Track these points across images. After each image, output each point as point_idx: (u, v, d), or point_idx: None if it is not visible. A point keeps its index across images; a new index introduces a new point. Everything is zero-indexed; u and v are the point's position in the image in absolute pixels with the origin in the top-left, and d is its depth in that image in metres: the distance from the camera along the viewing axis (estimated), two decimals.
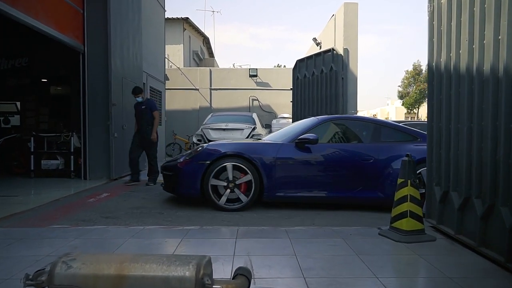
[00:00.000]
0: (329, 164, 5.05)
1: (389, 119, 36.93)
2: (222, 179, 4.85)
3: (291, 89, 11.95)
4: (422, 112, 49.28)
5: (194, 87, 17.13)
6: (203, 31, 23.15)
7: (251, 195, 4.84)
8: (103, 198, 5.71)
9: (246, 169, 4.81)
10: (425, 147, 4.92)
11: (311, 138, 4.94)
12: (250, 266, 2.70)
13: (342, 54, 8.94)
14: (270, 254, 3.08)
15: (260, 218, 4.55)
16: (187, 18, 19.17)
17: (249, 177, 4.80)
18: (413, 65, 47.17)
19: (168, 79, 14.77)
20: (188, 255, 1.87)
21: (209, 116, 11.45)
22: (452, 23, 3.50)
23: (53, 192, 6.06)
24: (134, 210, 4.90)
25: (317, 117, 5.77)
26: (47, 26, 6.34)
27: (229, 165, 4.80)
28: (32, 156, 7.82)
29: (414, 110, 47.08)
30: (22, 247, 3.18)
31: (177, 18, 18.84)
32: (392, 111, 60.40)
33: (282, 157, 4.94)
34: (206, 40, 25.34)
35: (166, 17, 14.93)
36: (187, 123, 16.36)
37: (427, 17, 3.97)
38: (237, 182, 4.83)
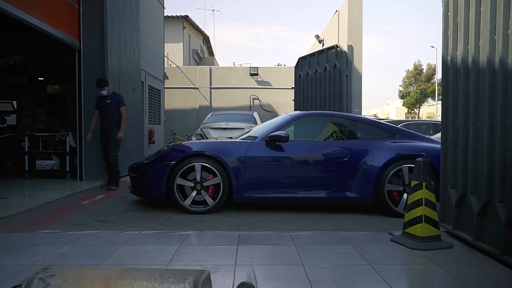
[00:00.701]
0: (302, 163, 4.77)
1: (389, 118, 36.68)
2: (190, 179, 4.59)
3: (292, 87, 11.70)
4: (423, 112, 49.09)
5: (193, 86, 16.88)
6: (203, 30, 22.92)
7: (219, 197, 4.56)
8: (98, 200, 5.47)
9: (213, 169, 4.55)
10: (403, 143, 4.79)
11: (281, 135, 4.68)
12: (253, 278, 2.46)
13: (346, 51, 8.68)
14: (275, 263, 2.83)
15: (262, 222, 4.30)
16: (187, 16, 18.93)
17: (217, 179, 4.54)
18: (414, 64, 46.99)
19: (167, 78, 14.54)
20: (183, 270, 1.62)
21: (209, 115, 11.19)
22: (470, 13, 3.25)
23: (47, 193, 5.81)
24: (129, 213, 4.66)
25: (290, 113, 5.52)
26: (40, 21, 6.08)
27: (198, 165, 4.54)
28: (26, 156, 7.57)
29: (415, 110, 46.87)
30: (5, 256, 2.93)
31: (177, 16, 18.60)
32: (392, 111, 60.20)
33: (252, 156, 4.66)
34: (206, 39, 25.11)
35: (165, 15, 14.69)
36: (187, 122, 16.13)
37: (442, 8, 3.72)
38: (205, 184, 4.57)
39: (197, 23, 21.18)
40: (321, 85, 9.60)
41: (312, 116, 5.44)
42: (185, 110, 16.76)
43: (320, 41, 11.05)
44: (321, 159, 4.76)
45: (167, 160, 4.62)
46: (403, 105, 48.47)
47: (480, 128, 3.09)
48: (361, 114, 9.34)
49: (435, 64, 43.55)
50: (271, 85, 17.01)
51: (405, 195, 4.50)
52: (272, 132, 4.80)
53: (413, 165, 4.37)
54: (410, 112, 47.87)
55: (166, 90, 14.41)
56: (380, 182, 4.53)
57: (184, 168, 4.55)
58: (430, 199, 3.23)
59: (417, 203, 3.23)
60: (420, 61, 61.79)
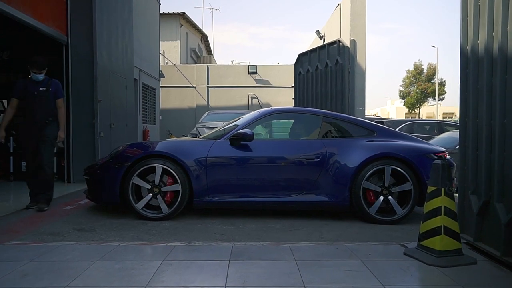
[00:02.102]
0: (268, 164, 4.35)
1: (390, 118, 36.33)
2: (147, 181, 4.21)
3: (292, 86, 11.30)
4: (423, 112, 48.75)
5: (190, 85, 16.49)
6: (201, 28, 22.53)
7: (177, 202, 4.17)
8: (82, 205, 5.05)
9: (172, 171, 4.15)
10: (380, 142, 4.36)
11: (246, 134, 4.27)
12: None
13: (349, 46, 8.26)
14: (272, 284, 2.43)
15: (259, 230, 3.89)
16: (184, 13, 18.53)
17: (177, 187, 4.15)
18: (414, 64, 46.62)
19: (163, 76, 14.16)
20: None
21: (205, 114, 10.81)
22: None
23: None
24: (114, 220, 4.24)
25: (259, 110, 5.12)
26: (23, 13, 5.67)
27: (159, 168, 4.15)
28: (11, 157, 7.17)
29: (415, 110, 46.55)
30: None
31: (173, 13, 18.20)
32: (392, 110, 59.91)
33: (214, 156, 4.26)
34: (204, 38, 24.72)
35: (161, 12, 14.30)
36: (184, 122, 15.75)
37: None
38: (163, 189, 4.18)
39: (195, 23, 20.80)
40: (322, 83, 9.18)
41: (282, 113, 5.04)
42: (182, 109, 16.38)
43: (321, 37, 10.65)
44: (290, 160, 4.34)
45: (122, 161, 4.23)
46: (404, 105, 48.15)
47: (508, 126, 2.69)
48: (364, 113, 8.91)
49: (435, 64, 43.24)
50: (270, 84, 16.62)
51: (381, 198, 4.17)
52: (238, 130, 4.41)
53: (392, 166, 4.15)
54: (410, 112, 47.56)
55: (162, 88, 14.03)
56: (355, 184, 4.15)
57: (140, 170, 4.16)
58: (450, 207, 2.83)
59: (435, 212, 2.83)
60: (421, 61, 61.40)
